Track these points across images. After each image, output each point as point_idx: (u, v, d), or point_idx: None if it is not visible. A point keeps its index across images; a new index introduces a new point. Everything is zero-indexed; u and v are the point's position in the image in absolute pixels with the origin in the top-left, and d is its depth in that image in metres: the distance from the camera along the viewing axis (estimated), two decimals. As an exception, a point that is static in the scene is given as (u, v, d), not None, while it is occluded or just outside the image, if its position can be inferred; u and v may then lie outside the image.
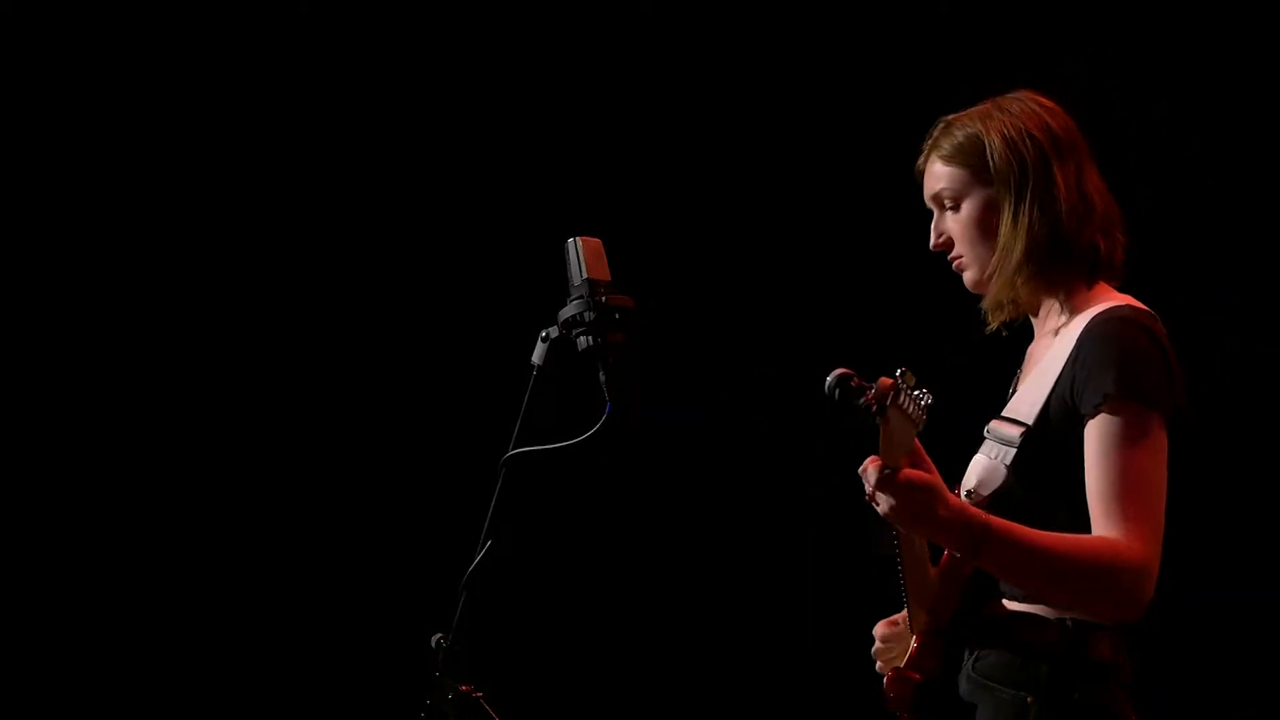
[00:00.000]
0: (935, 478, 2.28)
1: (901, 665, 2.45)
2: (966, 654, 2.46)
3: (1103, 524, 2.31)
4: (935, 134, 2.56)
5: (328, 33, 4.58)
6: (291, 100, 4.60)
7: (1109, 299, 2.46)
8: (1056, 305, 2.51)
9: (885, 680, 2.45)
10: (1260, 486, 4.33)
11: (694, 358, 4.52)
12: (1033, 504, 2.38)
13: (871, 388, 2.17)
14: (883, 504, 2.25)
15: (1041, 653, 2.38)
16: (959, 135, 2.53)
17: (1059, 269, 2.47)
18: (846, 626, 2.58)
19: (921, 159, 2.57)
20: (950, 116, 2.56)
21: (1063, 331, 2.47)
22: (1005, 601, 2.43)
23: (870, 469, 2.23)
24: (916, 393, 2.19)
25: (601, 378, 2.45)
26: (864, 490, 2.25)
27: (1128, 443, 2.33)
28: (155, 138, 4.57)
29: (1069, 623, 2.37)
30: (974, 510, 2.29)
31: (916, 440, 2.28)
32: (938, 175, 2.54)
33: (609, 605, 4.57)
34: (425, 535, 4.33)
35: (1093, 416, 2.35)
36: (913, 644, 2.47)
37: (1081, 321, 2.43)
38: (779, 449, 4.48)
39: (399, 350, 4.60)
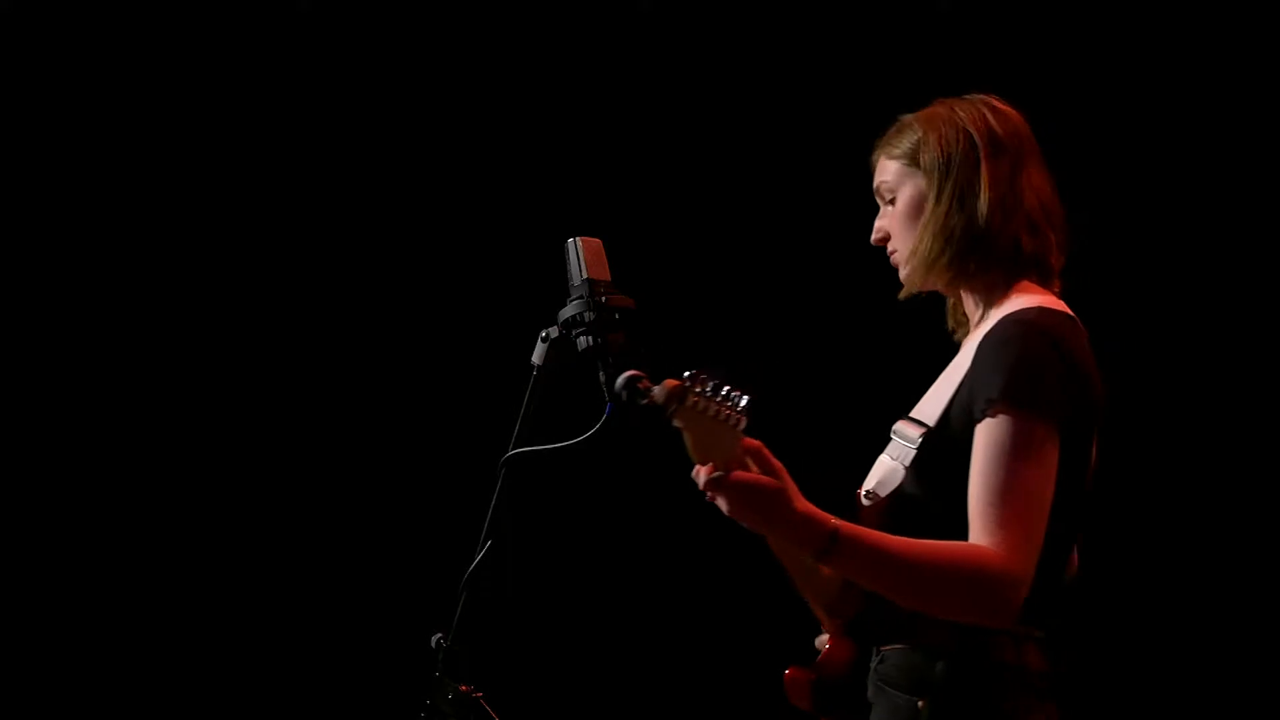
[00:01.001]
0: (774, 480, 2.26)
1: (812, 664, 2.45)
2: (874, 653, 2.45)
3: (976, 530, 2.28)
4: (888, 132, 2.58)
5: (328, 33, 4.58)
6: (291, 100, 4.60)
7: (1024, 299, 2.44)
8: (977, 303, 2.51)
9: (784, 678, 2.47)
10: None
11: (692, 357, 4.52)
12: (930, 506, 2.36)
13: (654, 389, 2.16)
14: (721, 505, 2.24)
15: (939, 653, 2.36)
16: (905, 132, 2.55)
17: (975, 263, 2.47)
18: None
19: (873, 154, 2.60)
20: (905, 116, 2.59)
21: (975, 332, 2.48)
22: None
23: (700, 472, 2.23)
24: (724, 394, 2.17)
25: (601, 378, 2.45)
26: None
27: (1009, 451, 2.29)
28: (155, 137, 4.57)
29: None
30: (821, 514, 2.26)
31: (761, 444, 2.26)
32: (881, 170, 2.57)
33: (609, 605, 4.57)
34: (425, 535, 4.33)
35: (980, 421, 2.33)
36: (826, 643, 2.48)
37: (990, 323, 2.43)
38: (779, 448, 4.47)
39: (399, 350, 4.60)
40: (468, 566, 2.49)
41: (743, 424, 2.21)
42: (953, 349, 2.56)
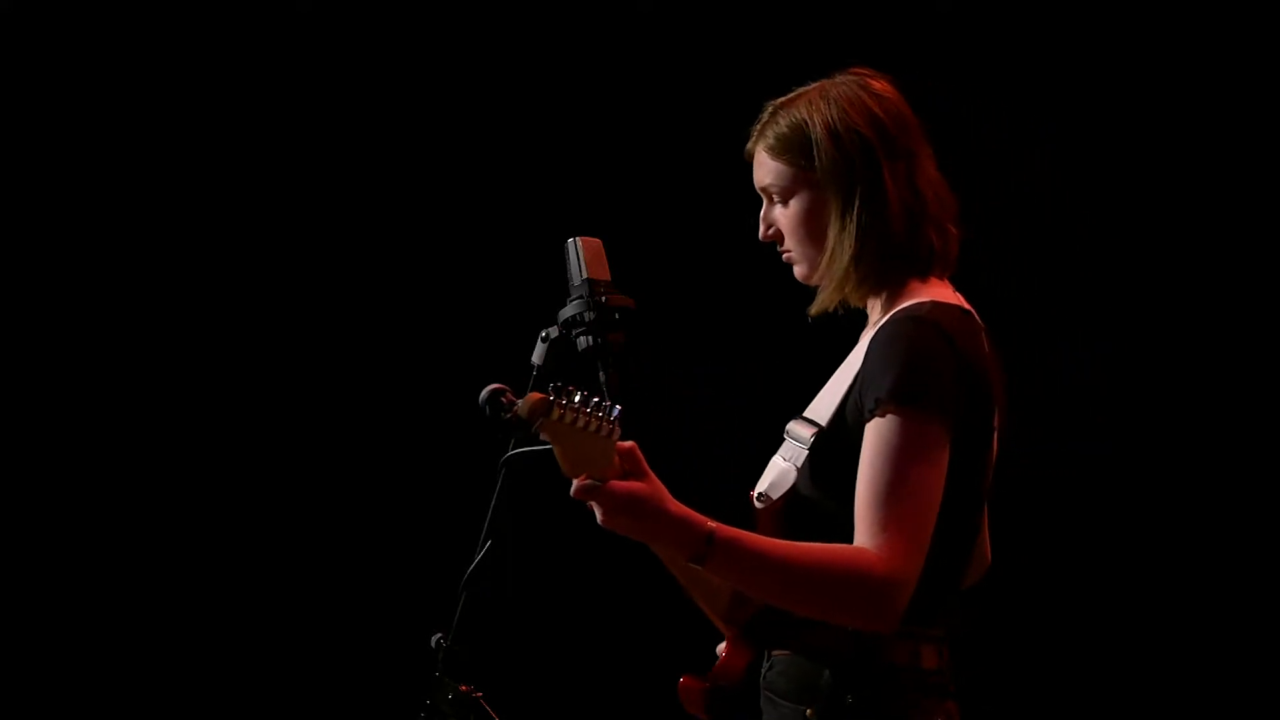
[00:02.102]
0: (646, 486, 2.22)
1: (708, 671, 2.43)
2: (765, 659, 2.41)
3: (860, 532, 2.23)
4: (763, 121, 2.50)
5: (328, 33, 4.58)
6: (291, 100, 4.60)
7: (920, 295, 2.38)
8: (880, 304, 2.44)
9: (678, 687, 2.46)
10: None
11: (692, 358, 4.52)
12: (824, 508, 2.32)
13: (517, 403, 2.13)
14: (596, 513, 2.22)
15: (827, 658, 2.32)
16: (784, 125, 2.46)
17: (891, 270, 2.41)
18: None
19: (750, 144, 2.52)
20: (777, 101, 2.50)
21: (871, 329, 2.43)
22: None
23: (575, 482, 2.20)
24: (593, 405, 2.14)
25: (601, 378, 2.45)
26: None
27: (897, 450, 2.23)
28: (155, 137, 4.57)
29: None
30: (696, 517, 2.23)
31: (634, 445, 2.23)
32: (765, 168, 2.49)
33: (609, 605, 4.56)
34: (425, 535, 4.33)
35: (868, 421, 2.27)
36: (724, 649, 2.46)
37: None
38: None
39: (399, 350, 4.59)
40: (468, 566, 2.49)
41: (616, 433, 2.17)
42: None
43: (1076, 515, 4.28)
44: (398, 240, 4.62)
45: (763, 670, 2.41)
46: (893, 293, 2.42)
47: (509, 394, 2.20)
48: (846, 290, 2.43)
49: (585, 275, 2.50)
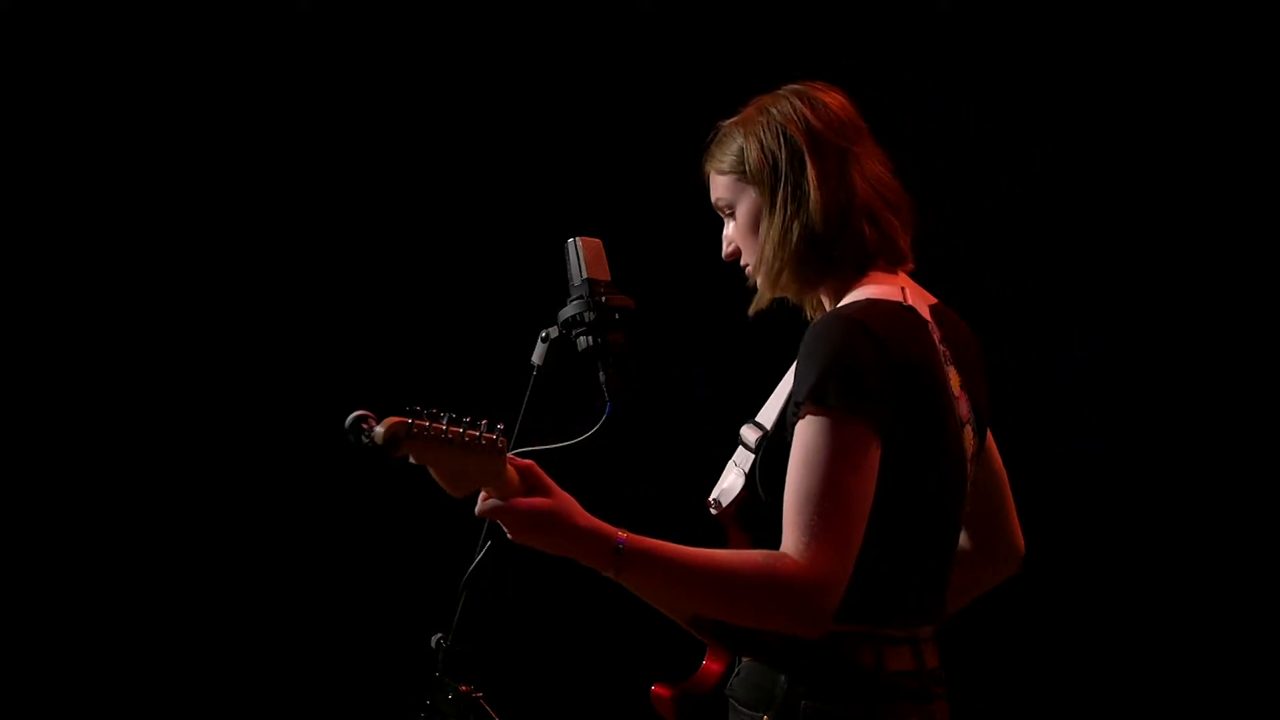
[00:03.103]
0: (551, 501, 2.22)
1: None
2: (736, 665, 2.42)
3: (784, 536, 2.21)
4: (710, 141, 2.54)
5: (328, 33, 4.58)
6: (291, 100, 4.60)
7: (860, 292, 2.38)
8: (831, 302, 2.45)
9: (650, 694, 2.47)
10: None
11: (692, 358, 4.52)
12: (772, 512, 2.28)
13: (375, 429, 2.10)
14: (504, 529, 2.22)
15: (784, 663, 2.31)
16: (726, 142, 2.51)
17: (819, 265, 2.42)
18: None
19: (703, 166, 2.55)
20: (723, 122, 2.54)
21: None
22: None
23: (479, 500, 2.20)
24: (464, 423, 2.12)
25: (601, 378, 2.45)
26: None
27: (814, 452, 2.21)
28: (155, 137, 4.57)
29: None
30: (606, 528, 2.22)
31: (532, 463, 2.22)
32: (715, 185, 2.53)
33: (609, 605, 4.56)
34: (425, 535, 4.33)
35: (792, 424, 2.26)
36: (705, 656, 2.47)
37: None
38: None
39: (399, 350, 4.59)
40: (468, 566, 2.49)
41: (501, 444, 2.15)
42: None
43: (1073, 514, 4.28)
44: (398, 240, 4.62)
45: (730, 679, 2.42)
46: (843, 289, 2.43)
47: (371, 419, 2.15)
48: (780, 286, 2.46)
49: (585, 275, 2.50)
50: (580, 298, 2.49)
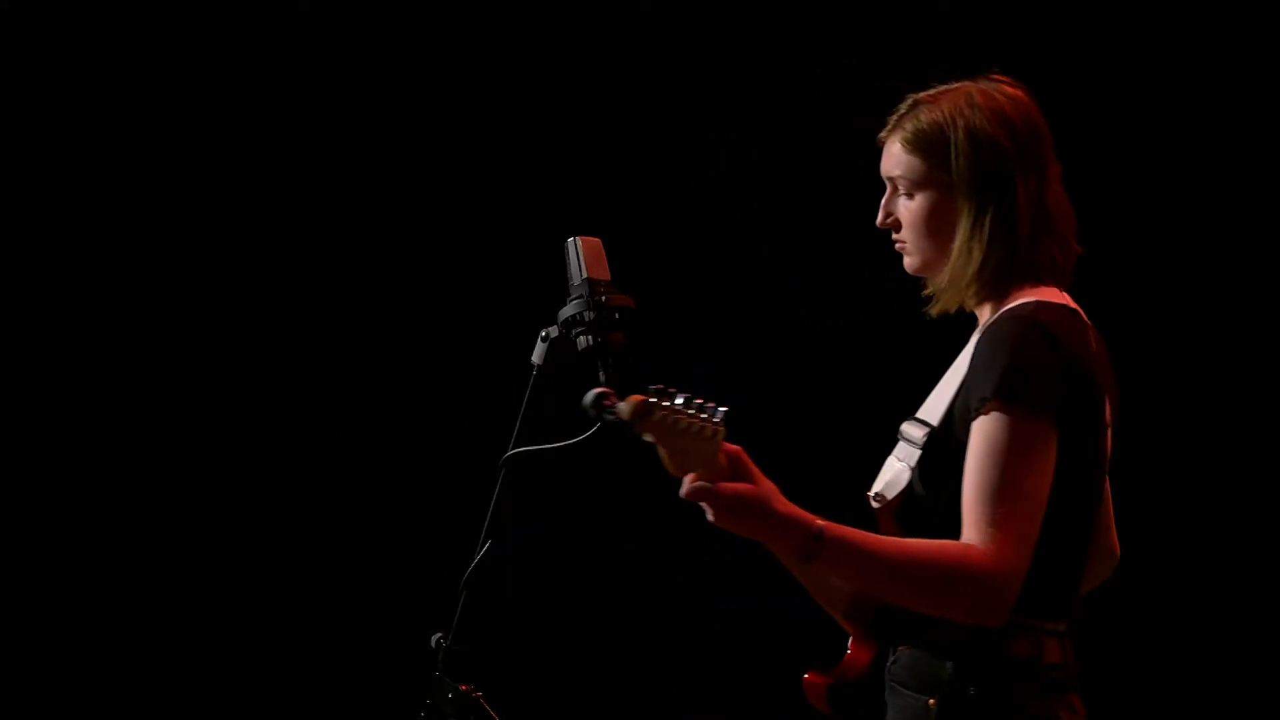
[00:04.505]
0: (754, 487, 2.25)
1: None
2: (890, 654, 2.45)
3: (966, 528, 2.28)
4: (901, 112, 2.50)
5: (328, 33, 4.58)
6: (291, 100, 4.60)
7: (1027, 297, 2.41)
8: (992, 307, 2.47)
9: (803, 682, 2.48)
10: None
11: (692, 357, 4.52)
12: (936, 506, 2.35)
13: (619, 406, 2.15)
14: (707, 513, 2.25)
15: (949, 651, 2.36)
16: (924, 121, 2.47)
17: (1008, 284, 2.43)
18: (836, 629, 2.58)
19: (884, 133, 2.52)
20: (920, 96, 2.50)
21: (978, 331, 2.46)
22: None
23: (685, 482, 2.23)
24: (696, 406, 2.16)
25: (601, 378, 2.45)
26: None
27: (1001, 448, 2.28)
28: (155, 137, 4.57)
29: None
30: (805, 515, 2.25)
31: (740, 450, 2.25)
32: (896, 158, 2.49)
33: (609, 605, 4.57)
34: (425, 535, 4.33)
35: (974, 419, 2.32)
36: (850, 647, 2.49)
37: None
38: (781, 450, 4.47)
39: (399, 350, 4.60)
40: (468, 566, 2.49)
41: (721, 433, 2.19)
42: (959, 344, 2.54)
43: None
44: (398, 240, 4.62)
45: (888, 664, 2.45)
46: (1006, 298, 2.45)
47: (613, 397, 2.18)
48: (967, 296, 2.46)
49: (585, 275, 2.50)
50: (580, 297, 2.49)
